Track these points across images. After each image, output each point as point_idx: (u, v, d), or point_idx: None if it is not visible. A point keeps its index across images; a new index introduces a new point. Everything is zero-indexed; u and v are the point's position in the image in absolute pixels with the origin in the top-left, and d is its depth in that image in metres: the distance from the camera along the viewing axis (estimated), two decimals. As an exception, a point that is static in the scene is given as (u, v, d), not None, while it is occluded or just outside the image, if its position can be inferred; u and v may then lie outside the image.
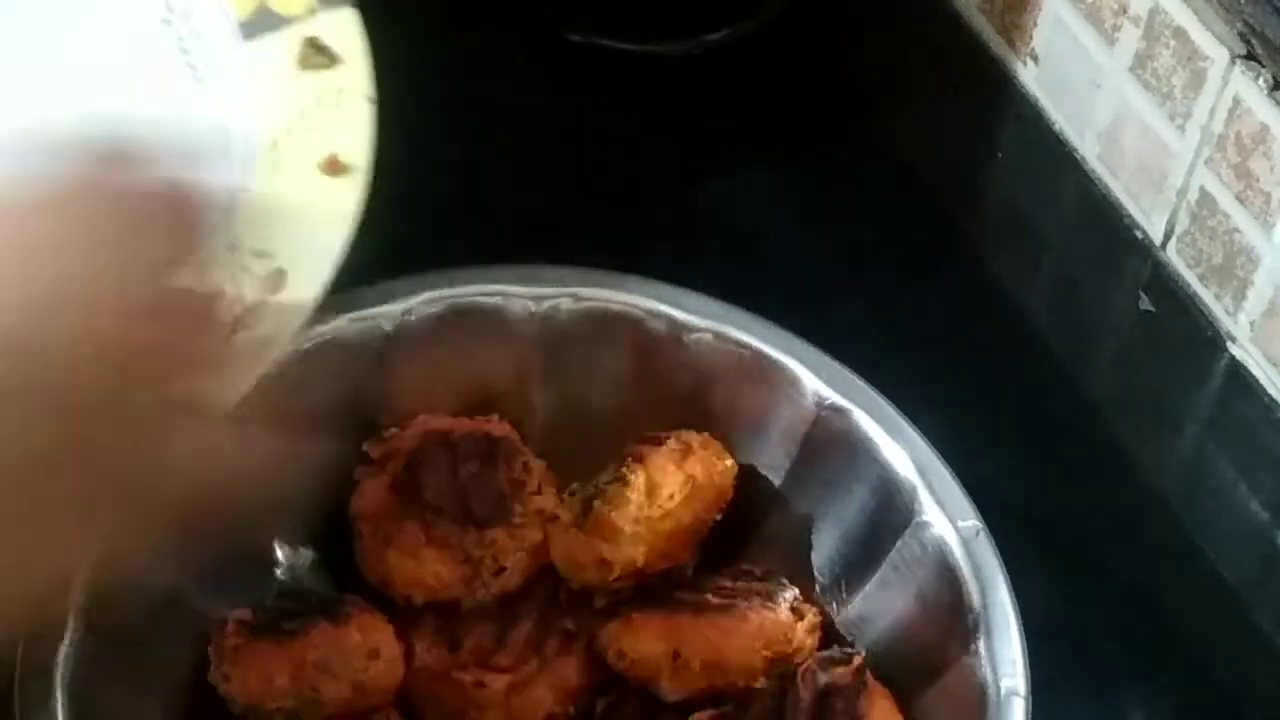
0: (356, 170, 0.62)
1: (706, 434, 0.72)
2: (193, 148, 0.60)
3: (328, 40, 0.65)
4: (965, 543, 0.67)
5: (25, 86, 0.65)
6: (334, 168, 0.62)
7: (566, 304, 0.73)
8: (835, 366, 0.71)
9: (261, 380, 0.68)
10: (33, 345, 0.47)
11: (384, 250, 0.81)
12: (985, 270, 0.90)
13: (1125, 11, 0.85)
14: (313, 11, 0.66)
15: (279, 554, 0.72)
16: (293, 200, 0.62)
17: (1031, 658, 0.65)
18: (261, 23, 0.66)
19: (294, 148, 0.63)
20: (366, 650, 0.68)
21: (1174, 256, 0.86)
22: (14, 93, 0.64)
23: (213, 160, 0.63)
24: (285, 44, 0.65)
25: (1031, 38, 0.92)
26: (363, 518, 0.71)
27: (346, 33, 0.66)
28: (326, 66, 0.65)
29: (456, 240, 0.82)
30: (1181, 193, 0.85)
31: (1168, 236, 0.87)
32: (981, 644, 0.65)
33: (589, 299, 0.73)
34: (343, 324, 0.71)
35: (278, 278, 0.60)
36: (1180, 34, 0.82)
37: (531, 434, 0.74)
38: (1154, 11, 0.83)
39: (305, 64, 0.65)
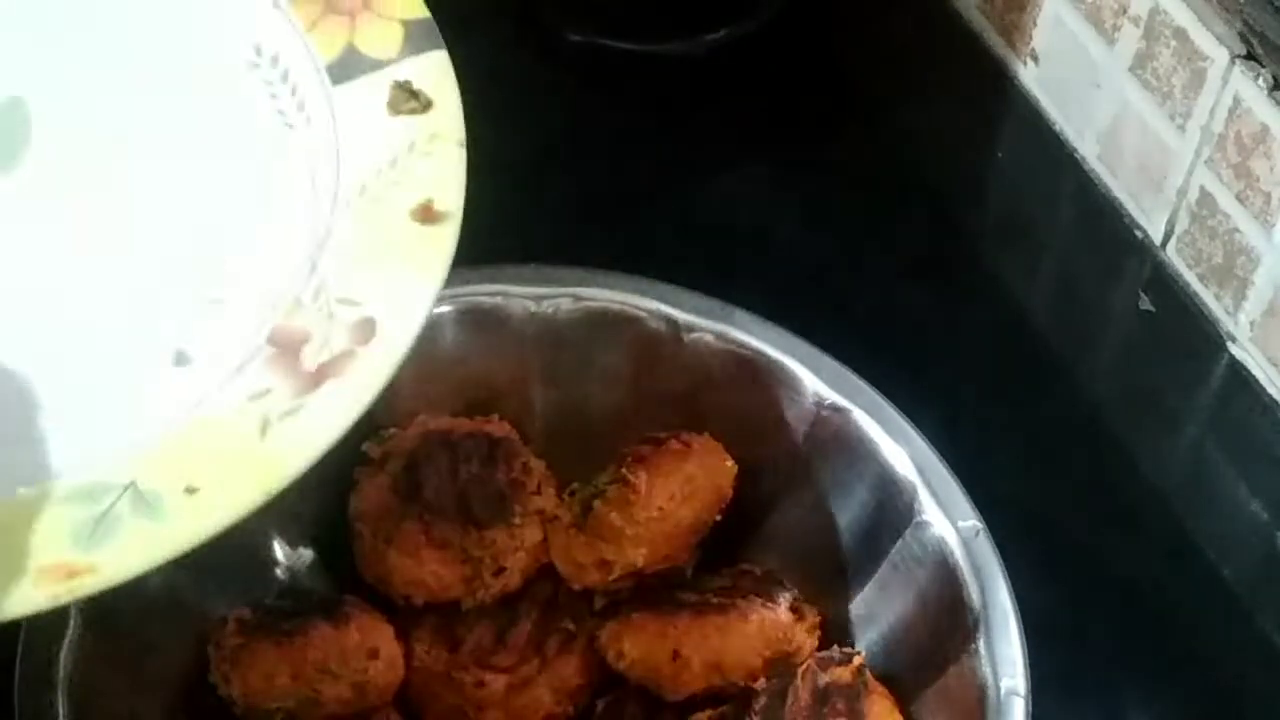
0: (449, 218, 0.62)
1: (706, 434, 0.72)
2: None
3: (419, 84, 0.64)
4: (965, 543, 0.67)
5: (114, 134, 0.64)
6: (427, 215, 0.61)
7: (566, 304, 0.73)
8: (835, 366, 0.71)
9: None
10: None
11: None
12: (985, 270, 0.90)
13: (1125, 11, 0.85)
14: (402, 54, 0.65)
15: (279, 554, 0.72)
16: (383, 248, 0.61)
17: (1031, 658, 0.65)
18: (350, 66, 0.65)
19: (385, 194, 0.62)
20: (366, 650, 0.68)
21: (1174, 256, 0.86)
22: (102, 140, 0.64)
23: (301, 206, 0.63)
24: (375, 87, 0.64)
25: (1031, 38, 0.92)
26: (363, 518, 0.71)
27: (438, 76, 0.65)
28: (418, 111, 0.64)
29: (456, 239, 0.82)
30: (1181, 193, 0.85)
31: (1168, 236, 0.87)
32: (981, 644, 0.65)
33: (589, 299, 0.73)
34: (343, 324, 0.70)
35: (366, 326, 0.59)
36: (1180, 34, 0.82)
37: (531, 434, 0.74)
38: (1154, 11, 0.83)
39: (396, 108, 0.64)
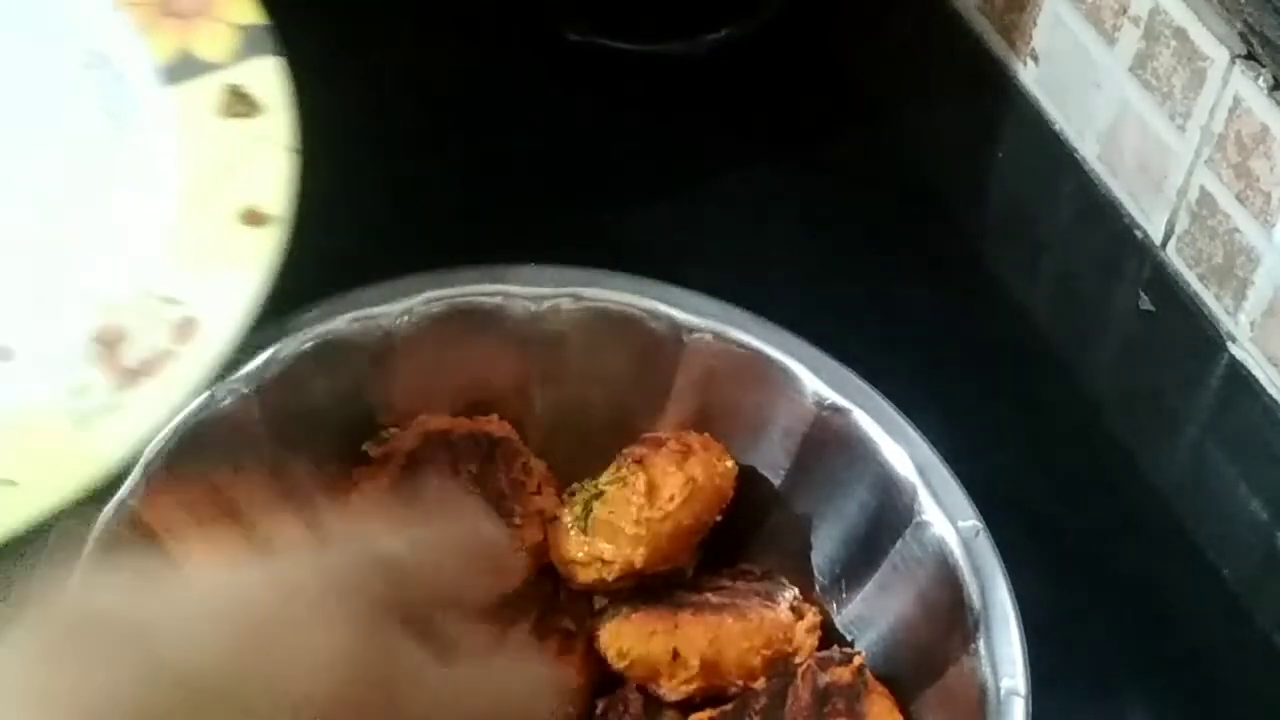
0: (275, 221, 0.62)
1: (707, 435, 0.72)
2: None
3: (250, 89, 0.65)
4: (965, 543, 0.67)
5: None
6: (252, 218, 0.62)
7: (566, 304, 0.73)
8: (835, 366, 0.71)
9: (262, 381, 0.68)
10: None
11: (385, 248, 0.81)
12: (985, 270, 0.90)
13: (1125, 11, 0.85)
14: (236, 59, 0.66)
15: (279, 554, 0.72)
16: (209, 249, 0.62)
17: (1031, 658, 0.65)
18: (183, 68, 0.65)
19: (213, 195, 0.63)
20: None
21: (1174, 256, 0.86)
22: None
23: (130, 206, 0.63)
24: (207, 91, 0.65)
25: (1031, 38, 0.92)
26: (363, 518, 0.71)
27: (270, 81, 0.65)
28: (248, 115, 0.65)
29: (457, 240, 0.82)
30: (1181, 192, 0.85)
31: (1168, 236, 0.87)
32: (981, 644, 0.65)
33: (589, 299, 0.73)
34: (342, 324, 0.70)
35: (188, 326, 0.59)
36: (1180, 34, 0.82)
37: (531, 434, 0.74)
38: (1154, 11, 0.83)
39: (227, 112, 0.65)
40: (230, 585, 0.47)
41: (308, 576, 0.48)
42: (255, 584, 0.47)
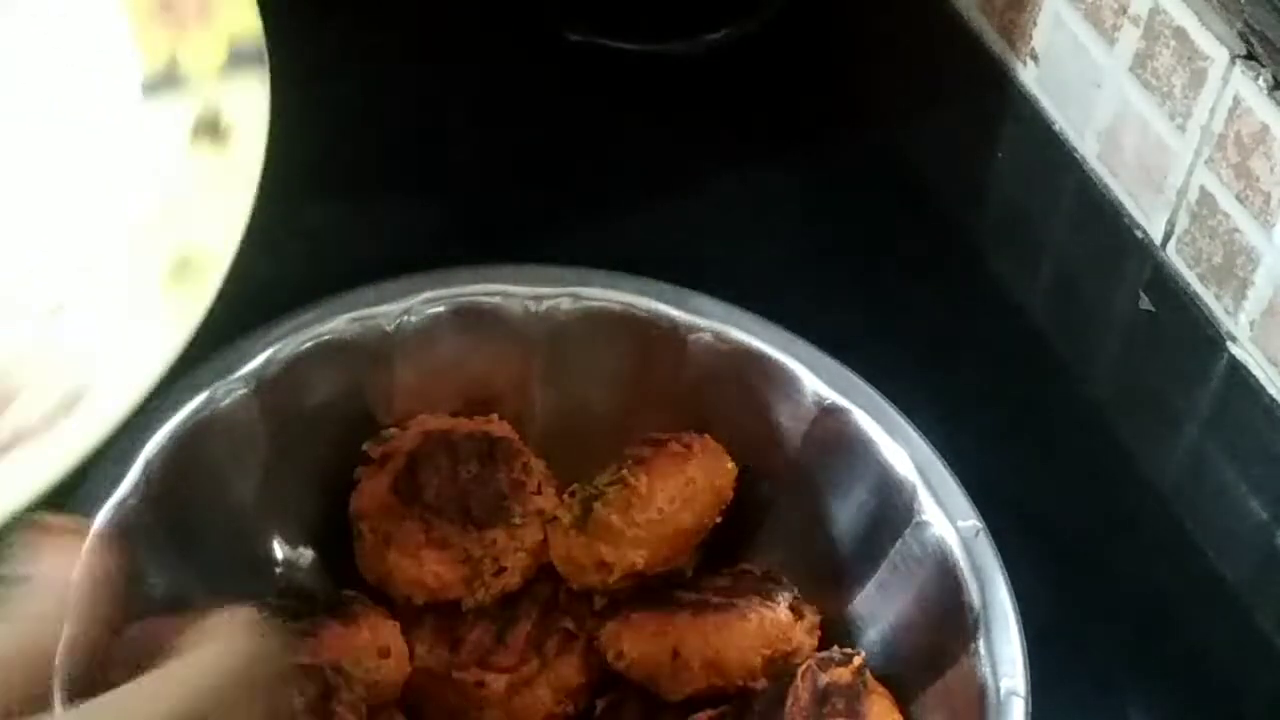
0: (208, 276, 0.53)
1: (707, 436, 0.72)
2: None
3: (226, 116, 0.56)
4: (965, 543, 0.67)
5: None
6: (185, 270, 0.53)
7: (566, 304, 0.73)
8: (835, 366, 0.71)
9: (262, 381, 0.68)
10: None
11: (384, 248, 0.81)
12: (985, 270, 0.90)
13: (1125, 11, 0.85)
14: (222, 74, 0.57)
15: (279, 554, 0.72)
16: (130, 303, 0.53)
17: (1031, 658, 0.65)
18: (165, 82, 0.57)
19: (152, 237, 0.55)
20: (377, 649, 0.68)
21: (1174, 256, 0.86)
22: None
23: (64, 241, 0.55)
24: (182, 112, 0.56)
25: (1031, 38, 0.92)
26: (363, 518, 0.71)
27: (249, 107, 0.56)
28: (216, 147, 0.56)
29: (456, 239, 0.82)
30: (1181, 192, 0.85)
31: (1168, 236, 0.87)
32: (981, 644, 0.65)
33: (589, 299, 0.73)
34: (342, 324, 0.71)
35: (78, 394, 0.52)
36: (1180, 34, 0.82)
37: (531, 434, 0.74)
38: (1154, 11, 0.83)
39: (195, 139, 0.56)
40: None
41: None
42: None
